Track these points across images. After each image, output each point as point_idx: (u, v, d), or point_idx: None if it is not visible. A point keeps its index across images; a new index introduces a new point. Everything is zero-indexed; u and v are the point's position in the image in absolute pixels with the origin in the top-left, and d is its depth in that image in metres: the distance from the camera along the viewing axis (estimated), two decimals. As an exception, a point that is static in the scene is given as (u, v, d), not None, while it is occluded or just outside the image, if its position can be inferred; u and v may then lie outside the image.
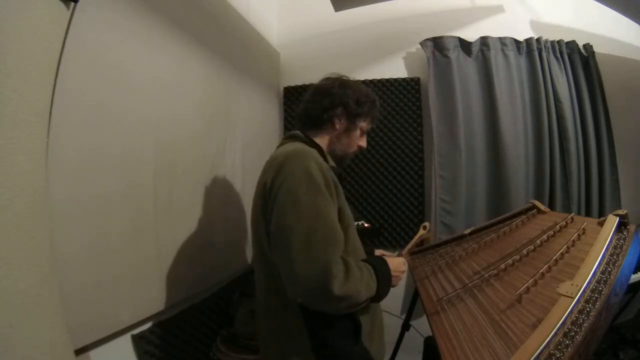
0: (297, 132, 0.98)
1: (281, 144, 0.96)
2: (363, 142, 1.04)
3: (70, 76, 0.76)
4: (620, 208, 1.41)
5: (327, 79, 1.03)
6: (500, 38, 1.93)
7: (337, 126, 0.98)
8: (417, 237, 1.33)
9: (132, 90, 0.96)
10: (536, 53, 1.91)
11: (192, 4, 1.24)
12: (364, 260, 0.87)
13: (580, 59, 1.93)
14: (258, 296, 0.92)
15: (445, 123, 1.93)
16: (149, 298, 1.04)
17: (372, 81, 2.05)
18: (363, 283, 0.78)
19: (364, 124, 1.01)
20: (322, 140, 0.98)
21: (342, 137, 0.99)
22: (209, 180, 1.35)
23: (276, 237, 0.77)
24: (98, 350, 0.86)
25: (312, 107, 0.98)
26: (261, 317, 0.91)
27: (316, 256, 0.71)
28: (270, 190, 0.79)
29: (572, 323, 0.61)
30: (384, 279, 0.86)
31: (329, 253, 0.72)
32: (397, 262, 0.95)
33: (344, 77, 1.03)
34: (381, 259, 0.91)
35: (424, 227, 1.34)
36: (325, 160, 0.90)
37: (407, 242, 1.97)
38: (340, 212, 0.82)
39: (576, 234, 0.90)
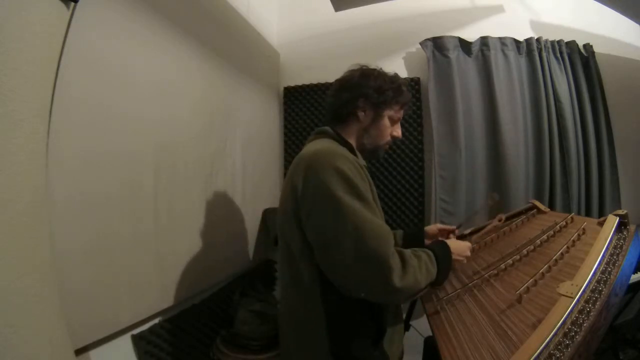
0: (327, 128, 0.94)
1: (310, 140, 0.94)
2: (397, 132, 0.98)
3: (70, 76, 0.76)
4: (620, 208, 1.40)
5: (349, 70, 0.98)
6: (500, 38, 1.93)
7: (362, 119, 0.93)
8: (490, 226, 1.27)
9: (132, 90, 0.96)
10: (536, 53, 1.90)
11: (192, 4, 1.24)
12: (423, 246, 0.87)
13: (580, 59, 1.93)
14: (282, 294, 0.92)
15: (445, 123, 1.92)
16: (149, 298, 1.04)
17: (372, 81, 2.05)
18: (422, 270, 0.78)
19: (391, 112, 0.95)
20: (351, 135, 0.94)
21: (370, 129, 0.94)
22: (209, 181, 1.35)
23: (323, 243, 0.76)
24: (98, 350, 0.86)
25: (334, 102, 0.95)
26: (284, 316, 0.91)
27: (372, 254, 0.71)
28: (303, 194, 0.77)
29: (572, 323, 0.61)
30: (445, 264, 0.86)
31: (382, 247, 0.72)
32: (462, 247, 0.94)
33: (365, 67, 0.98)
34: (443, 243, 0.91)
35: (500, 220, 1.28)
36: (355, 157, 0.87)
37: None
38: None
39: (576, 234, 0.90)
